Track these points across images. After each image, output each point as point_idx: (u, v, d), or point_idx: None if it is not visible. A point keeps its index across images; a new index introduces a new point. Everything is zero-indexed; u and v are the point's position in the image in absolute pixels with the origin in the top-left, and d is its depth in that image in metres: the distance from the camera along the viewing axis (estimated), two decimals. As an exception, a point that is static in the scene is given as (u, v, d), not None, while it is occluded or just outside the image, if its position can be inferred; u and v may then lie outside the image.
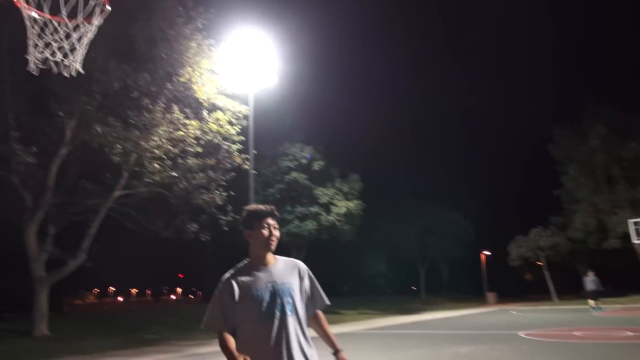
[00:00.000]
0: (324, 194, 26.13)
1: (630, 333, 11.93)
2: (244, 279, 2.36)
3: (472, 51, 77.95)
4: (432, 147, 72.80)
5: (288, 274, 2.44)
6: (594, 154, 33.16)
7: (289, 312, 2.33)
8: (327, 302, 2.54)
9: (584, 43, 74.41)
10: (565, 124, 35.80)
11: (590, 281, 21.10)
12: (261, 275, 2.38)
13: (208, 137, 14.27)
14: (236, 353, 2.20)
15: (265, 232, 2.41)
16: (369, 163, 38.18)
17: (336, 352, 2.47)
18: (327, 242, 27.75)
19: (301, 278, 2.48)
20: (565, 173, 35.24)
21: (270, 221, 2.45)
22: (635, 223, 26.06)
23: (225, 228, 15.69)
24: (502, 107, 78.01)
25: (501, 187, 58.08)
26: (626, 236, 29.21)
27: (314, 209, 25.80)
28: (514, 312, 24.02)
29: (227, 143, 14.58)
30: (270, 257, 2.45)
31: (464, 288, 50.19)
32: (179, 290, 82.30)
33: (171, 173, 13.65)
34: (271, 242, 2.43)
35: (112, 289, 75.36)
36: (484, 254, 41.99)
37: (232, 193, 15.52)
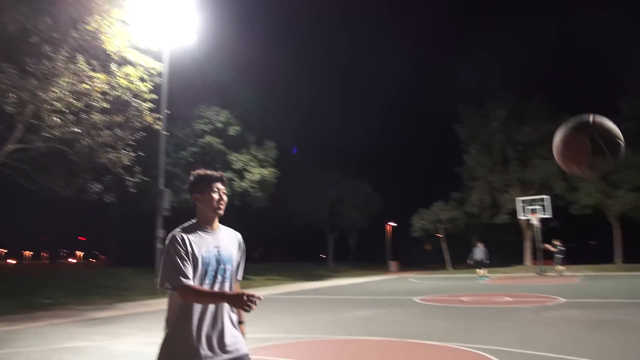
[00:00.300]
0: (238, 159, 25.87)
1: (508, 298, 13.35)
2: (194, 238, 2.37)
3: (400, 34, 79.61)
4: (349, 121, 74.33)
5: (229, 242, 2.51)
6: (493, 135, 35.88)
7: (227, 279, 2.43)
8: (240, 277, 2.65)
9: (493, 31, 78.83)
10: (471, 106, 38.20)
11: (479, 252, 23.14)
12: (208, 238, 2.42)
13: (116, 93, 13.44)
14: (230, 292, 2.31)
15: (216, 195, 2.46)
16: (285, 131, 38.19)
17: (240, 323, 2.56)
18: (239, 208, 27.66)
19: (239, 249, 2.57)
20: (467, 152, 37.83)
21: (220, 186, 2.50)
22: (523, 201, 28.73)
23: (133, 190, 15.04)
24: (415, 86, 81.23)
25: (410, 163, 61.04)
26: (514, 212, 32.23)
27: (227, 174, 25.47)
28: (413, 280, 25.74)
29: (137, 100, 13.83)
30: (216, 222, 2.50)
31: (369, 257, 52.74)
32: (79, 253, 77.99)
33: (73, 128, 12.71)
34: (220, 206, 2.47)
35: (3, 250, 69.69)
36: (389, 225, 44.24)
37: (141, 154, 14.85)
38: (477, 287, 18.71)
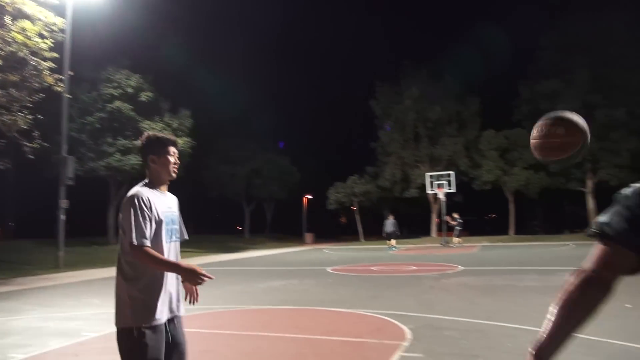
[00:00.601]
0: (150, 127, 24.67)
1: (414, 267, 14.23)
2: (153, 198, 2.43)
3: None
4: (266, 91, 73.35)
5: (174, 204, 2.62)
6: (406, 113, 37.31)
7: (178, 238, 2.59)
8: (187, 236, 2.74)
9: (410, 9, 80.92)
10: (386, 83, 39.32)
11: (389, 224, 24.30)
12: (163, 199, 2.51)
13: (11, 49, 12.17)
14: (184, 263, 2.38)
15: (172, 159, 2.55)
16: (201, 100, 36.95)
17: None
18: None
19: (177, 211, 2.67)
20: (382, 128, 39.10)
21: (174, 149, 2.58)
22: (431, 176, 30.38)
23: (31, 156, 13.89)
24: (334, 60, 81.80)
25: (328, 136, 61.85)
26: (423, 187, 34.03)
27: (138, 143, 24.32)
28: (326, 251, 26.50)
29: (35, 59, 12.64)
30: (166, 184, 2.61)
31: (286, 228, 53.27)
32: (-33, 224, 70.86)
33: (-42, 86, 11.44)
34: (175, 169, 2.57)
35: None
36: (306, 197, 44.84)
37: (41, 117, 13.70)
38: (387, 257, 19.70)
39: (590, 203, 33.88)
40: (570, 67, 31.89)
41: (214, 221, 59.43)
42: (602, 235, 1.29)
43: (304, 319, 6.73)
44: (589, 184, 33.44)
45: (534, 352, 1.31)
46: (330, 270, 13.98)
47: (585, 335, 5.10)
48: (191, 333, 5.81)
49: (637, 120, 30.99)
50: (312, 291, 9.59)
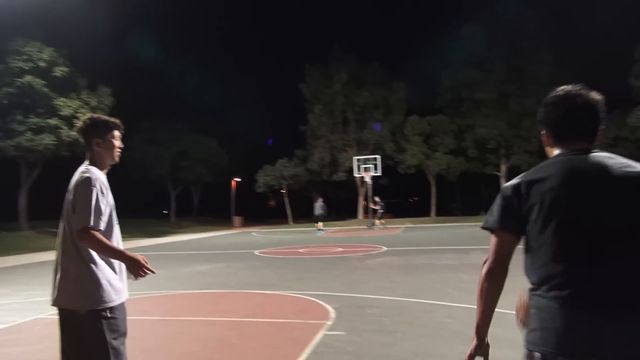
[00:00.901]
0: (66, 105, 23.11)
1: (340, 249, 14.57)
2: (104, 180, 2.43)
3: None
4: (195, 70, 70.97)
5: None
6: (335, 97, 37.69)
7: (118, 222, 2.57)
8: None
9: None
10: (316, 66, 39.40)
11: (318, 207, 24.65)
12: (106, 182, 2.48)
13: None
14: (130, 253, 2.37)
15: (117, 143, 2.56)
16: (124, 77, 35.07)
17: None
18: (68, 160, 24.98)
19: None
20: (311, 111, 39.23)
21: (118, 133, 2.58)
22: (358, 160, 31.04)
23: None
24: (267, 40, 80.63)
25: (258, 119, 61.12)
26: (351, 170, 34.73)
27: (53, 121, 22.70)
28: (255, 234, 26.42)
29: None
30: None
31: (214, 212, 52.33)
32: None
33: None
34: (119, 153, 2.60)
35: None
36: (234, 180, 44.20)
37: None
38: (315, 239, 19.99)
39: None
40: (489, 58, 33.67)
41: (138, 205, 57.06)
42: (487, 227, 1.66)
43: (229, 302, 6.71)
44: (503, 168, 35.77)
45: (475, 332, 1.73)
46: (257, 253, 13.98)
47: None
48: (110, 320, 5.63)
49: (546, 109, 33.43)
50: (239, 274, 9.56)
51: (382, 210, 27.18)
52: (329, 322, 5.13)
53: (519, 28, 33.56)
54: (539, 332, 1.48)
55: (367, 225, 28.95)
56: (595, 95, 1.64)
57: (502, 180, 36.09)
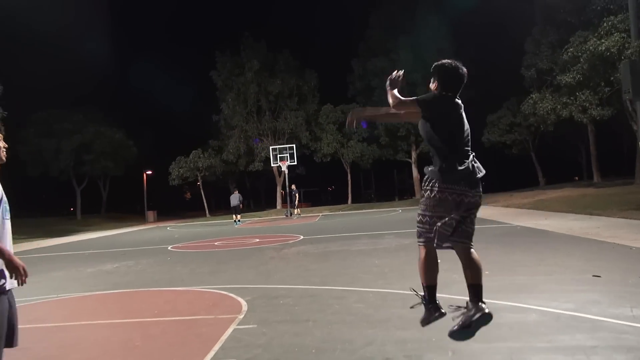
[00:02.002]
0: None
1: (257, 240, 14.42)
2: None
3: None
4: (97, 55, 66.43)
5: None
6: (248, 85, 37.13)
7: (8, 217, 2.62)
8: None
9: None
10: (227, 54, 38.47)
11: (234, 198, 24.23)
12: None
13: None
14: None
15: (2, 143, 2.63)
16: (14, 62, 31.96)
17: None
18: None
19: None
20: (224, 100, 38.35)
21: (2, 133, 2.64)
22: (274, 149, 30.89)
23: None
24: (177, 25, 77.43)
25: (170, 109, 58.68)
26: (268, 160, 34.53)
27: None
28: (169, 228, 25.43)
29: None
30: None
31: (125, 207, 49.69)
32: None
33: None
34: (4, 152, 2.67)
35: None
36: (146, 173, 42.19)
37: None
38: (232, 231, 19.64)
39: (415, 172, 37.97)
40: (395, 47, 34.85)
41: (38, 203, 52.66)
42: (416, 98, 3.18)
43: (136, 302, 6.35)
44: (413, 155, 37.40)
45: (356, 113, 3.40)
46: (170, 249, 13.45)
47: (400, 290, 5.69)
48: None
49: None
50: (148, 271, 9.10)
51: (297, 199, 27.46)
52: (240, 316, 5.01)
53: (422, 18, 35.05)
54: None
55: (285, 215, 28.99)
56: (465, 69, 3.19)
57: (413, 166, 37.75)
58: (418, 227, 3.17)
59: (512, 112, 34.73)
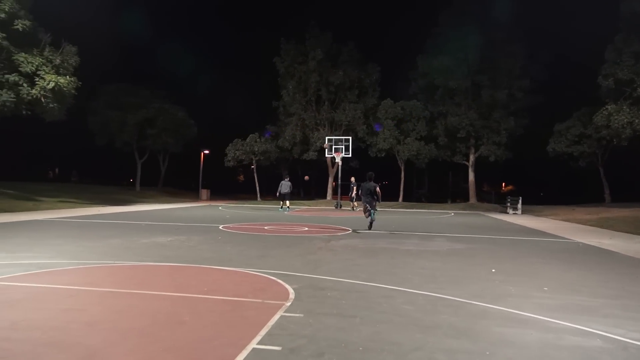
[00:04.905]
0: (27, 61, 21.93)
1: (306, 228, 14.46)
2: None
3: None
4: (165, 37, 68.78)
5: None
6: (309, 74, 37.15)
7: None
8: None
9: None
10: (292, 41, 38.61)
11: (286, 185, 24.42)
12: None
13: None
14: None
15: None
16: (90, 36, 33.56)
17: None
18: (27, 119, 23.85)
19: None
20: (285, 87, 38.60)
21: None
22: (330, 140, 30.83)
23: None
24: (244, 12, 78.67)
25: (231, 91, 59.93)
26: (322, 150, 34.55)
27: (13, 77, 21.53)
28: (221, 208, 26.03)
29: None
30: None
31: (181, 183, 51.38)
32: None
33: None
34: None
35: None
36: (203, 152, 43.35)
37: None
38: (281, 217, 19.81)
39: (471, 176, 36.84)
40: (463, 47, 33.75)
41: (101, 171, 55.46)
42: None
43: (185, 276, 6.47)
44: (471, 158, 36.23)
45: None
46: (221, 228, 13.71)
47: (451, 297, 5.47)
48: (57, 289, 5.33)
49: (516, 102, 33.96)
50: (199, 248, 9.30)
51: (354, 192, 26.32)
52: (287, 303, 4.98)
53: (494, 19, 33.77)
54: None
55: (335, 206, 28.91)
56: None
57: (470, 169, 36.62)
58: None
59: (583, 123, 32.87)
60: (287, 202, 24.49)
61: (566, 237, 13.52)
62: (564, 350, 3.81)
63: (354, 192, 25.93)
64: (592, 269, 7.92)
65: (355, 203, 26.65)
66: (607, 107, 27.80)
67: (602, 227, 17.14)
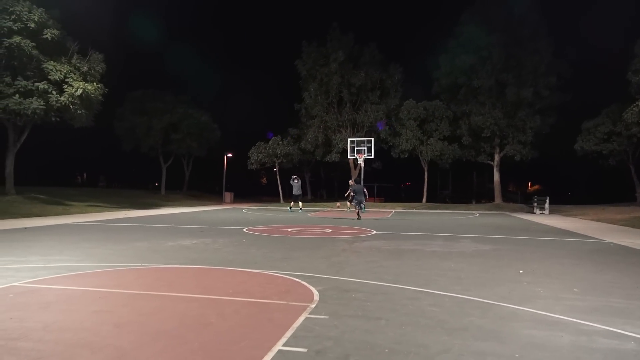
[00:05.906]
0: (56, 69, 22.53)
1: (330, 230, 14.44)
2: None
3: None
4: (189, 43, 69.80)
5: None
6: (331, 76, 37.15)
7: None
8: None
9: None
10: (313, 44, 38.70)
11: (298, 186, 24.61)
12: None
13: None
14: None
15: None
16: (116, 44, 34.26)
17: None
18: (56, 126, 24.48)
19: None
20: (306, 90, 38.69)
21: None
22: (352, 141, 30.77)
23: None
24: (264, 15, 79.26)
25: (251, 96, 60.42)
26: (344, 152, 34.52)
27: (43, 85, 22.13)
28: (245, 211, 26.23)
29: None
30: None
31: (205, 187, 52.05)
32: None
33: None
34: None
35: None
36: (226, 156, 43.79)
37: None
38: (305, 219, 19.85)
39: (496, 176, 36.26)
40: (487, 45, 33.26)
41: (128, 176, 56.63)
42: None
43: (211, 279, 6.53)
44: (496, 158, 35.66)
45: None
46: (245, 230, 13.81)
47: (478, 299, 5.38)
48: (87, 292, 5.44)
49: (542, 100, 33.27)
50: (224, 251, 9.38)
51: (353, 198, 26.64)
52: (312, 305, 4.98)
53: (519, 16, 33.21)
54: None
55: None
56: None
57: (495, 169, 36.05)
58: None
59: (612, 120, 32.01)
60: (300, 202, 24.85)
61: (596, 237, 13.18)
62: (597, 353, 3.71)
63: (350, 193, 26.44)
64: (624, 270, 7.70)
65: (348, 204, 26.92)
66: (637, 103, 27.00)
67: (634, 227, 16.65)
